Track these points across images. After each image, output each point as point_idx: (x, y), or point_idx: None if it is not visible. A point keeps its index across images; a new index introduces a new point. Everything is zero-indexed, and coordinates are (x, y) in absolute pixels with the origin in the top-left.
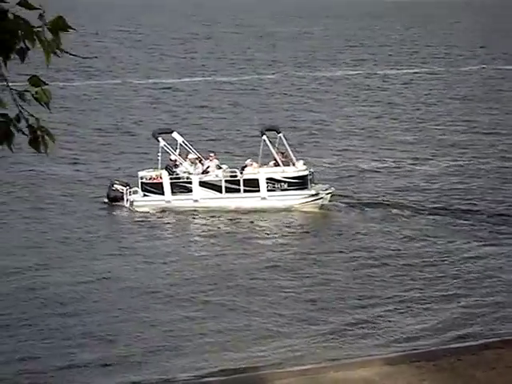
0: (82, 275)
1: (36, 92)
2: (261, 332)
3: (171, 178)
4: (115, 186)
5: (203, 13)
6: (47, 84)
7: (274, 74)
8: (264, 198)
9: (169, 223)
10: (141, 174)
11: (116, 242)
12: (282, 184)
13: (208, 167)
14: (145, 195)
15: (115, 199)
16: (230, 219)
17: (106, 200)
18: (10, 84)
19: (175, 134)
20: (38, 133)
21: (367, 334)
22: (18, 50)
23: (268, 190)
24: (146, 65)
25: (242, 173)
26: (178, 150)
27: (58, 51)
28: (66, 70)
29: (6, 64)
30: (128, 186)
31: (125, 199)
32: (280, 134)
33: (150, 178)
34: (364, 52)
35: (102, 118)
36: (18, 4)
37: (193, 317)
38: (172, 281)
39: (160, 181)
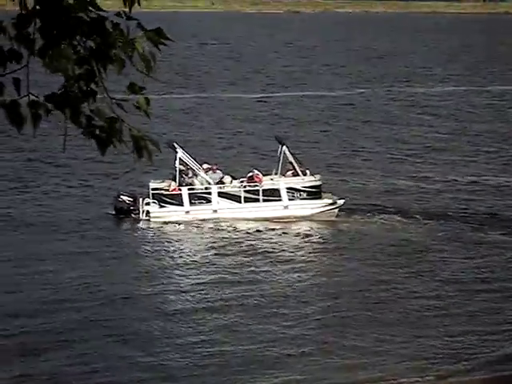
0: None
1: (137, 101)
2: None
3: (189, 189)
4: (122, 197)
5: (296, 27)
6: (145, 88)
7: (365, 89)
8: (286, 207)
9: (190, 234)
10: (153, 185)
11: (139, 254)
12: (302, 193)
13: (223, 177)
14: (161, 206)
15: (122, 211)
16: (252, 229)
17: (113, 212)
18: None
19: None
20: (142, 143)
21: (454, 353)
22: (116, 60)
23: (288, 200)
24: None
25: (260, 183)
26: (177, 161)
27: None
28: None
29: (105, 73)
30: (135, 197)
31: (140, 210)
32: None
33: (166, 189)
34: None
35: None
36: (117, 15)
37: (226, 325)
38: (201, 293)
39: (178, 191)
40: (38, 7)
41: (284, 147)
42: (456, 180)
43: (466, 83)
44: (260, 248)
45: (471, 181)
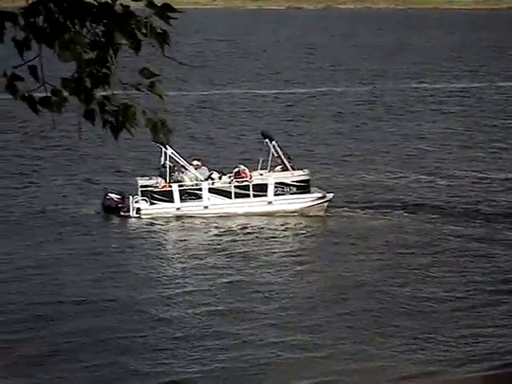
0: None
1: (150, 84)
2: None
3: (179, 186)
4: (110, 195)
5: (300, 23)
6: (159, 75)
7: (370, 85)
8: (276, 202)
9: (183, 232)
10: (141, 182)
11: (133, 254)
12: (291, 188)
13: (212, 173)
14: (152, 203)
15: (110, 209)
16: (245, 226)
17: (101, 210)
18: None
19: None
20: (158, 125)
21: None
22: (133, 42)
23: (277, 194)
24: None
25: (243, 179)
26: (167, 158)
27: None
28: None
29: (116, 55)
30: (123, 194)
31: (130, 208)
32: (266, 140)
33: (155, 186)
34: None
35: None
36: None
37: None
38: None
39: (168, 188)
40: None
41: (274, 142)
42: (470, 176)
43: (476, 79)
44: (256, 246)
45: (485, 177)
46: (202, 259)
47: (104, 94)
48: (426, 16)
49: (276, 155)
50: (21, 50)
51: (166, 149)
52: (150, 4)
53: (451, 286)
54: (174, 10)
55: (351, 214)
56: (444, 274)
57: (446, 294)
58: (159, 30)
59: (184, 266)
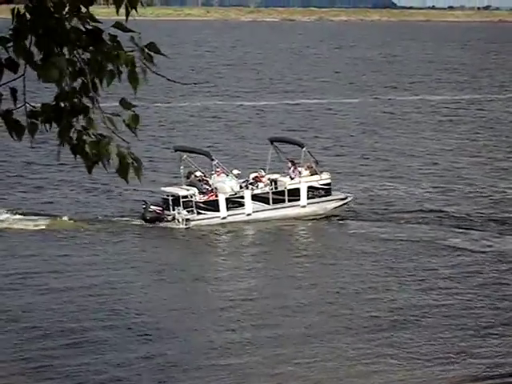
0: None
1: (127, 117)
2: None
3: (224, 194)
4: (152, 207)
5: (296, 35)
6: (136, 106)
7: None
8: (304, 206)
9: (236, 240)
10: (182, 192)
11: (192, 264)
12: (320, 191)
13: (243, 182)
14: (199, 213)
15: (153, 220)
16: (287, 230)
17: (143, 222)
18: (101, 106)
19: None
20: (128, 160)
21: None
22: (111, 71)
23: (309, 198)
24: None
25: (256, 184)
26: (182, 167)
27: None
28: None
29: (100, 85)
30: (162, 205)
31: (179, 219)
32: (273, 145)
33: (191, 195)
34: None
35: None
36: (113, 26)
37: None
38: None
39: (215, 198)
40: (29, 17)
41: (304, 148)
42: (489, 188)
43: (479, 91)
44: (306, 249)
45: (503, 188)
46: (261, 266)
47: (83, 124)
48: (421, 28)
49: (308, 160)
50: (14, 70)
51: (212, 159)
52: (132, 39)
53: (463, 296)
54: (158, 52)
55: (371, 222)
56: (455, 284)
57: (456, 304)
58: (141, 65)
59: (246, 273)
